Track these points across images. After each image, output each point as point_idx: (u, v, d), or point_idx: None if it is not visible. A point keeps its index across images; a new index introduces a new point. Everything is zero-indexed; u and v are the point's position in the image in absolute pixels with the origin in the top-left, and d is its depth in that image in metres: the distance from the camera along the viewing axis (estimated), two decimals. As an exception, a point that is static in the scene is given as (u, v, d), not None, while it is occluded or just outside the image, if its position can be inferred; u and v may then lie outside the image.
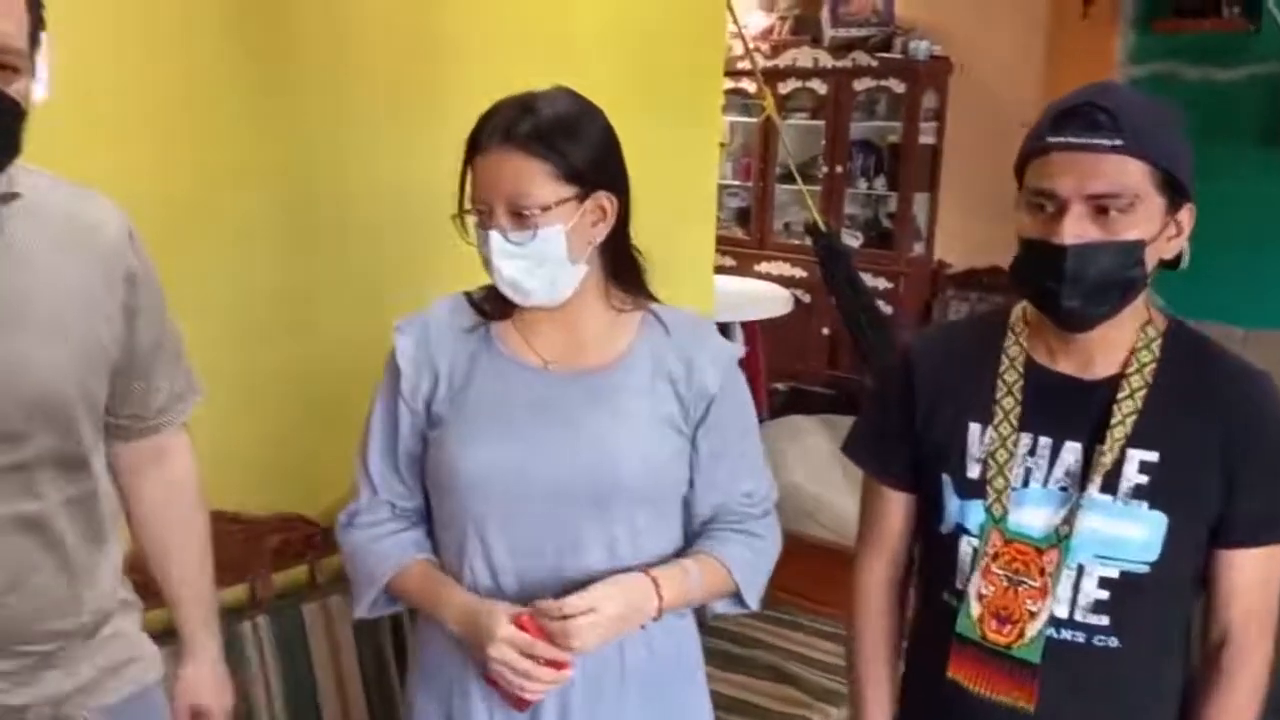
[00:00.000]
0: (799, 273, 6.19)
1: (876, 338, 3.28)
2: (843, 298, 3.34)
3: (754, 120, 5.98)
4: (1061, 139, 1.20)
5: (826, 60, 5.93)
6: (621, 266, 1.44)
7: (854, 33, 5.89)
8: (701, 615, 1.53)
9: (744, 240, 6.30)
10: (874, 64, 5.78)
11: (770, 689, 2.43)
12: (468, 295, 1.48)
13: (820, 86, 5.99)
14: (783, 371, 5.60)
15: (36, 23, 1.13)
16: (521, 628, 1.31)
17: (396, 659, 2.16)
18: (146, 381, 1.37)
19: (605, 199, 1.37)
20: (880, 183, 6.04)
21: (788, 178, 6.33)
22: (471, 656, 1.38)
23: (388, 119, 2.15)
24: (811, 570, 2.46)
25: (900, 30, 5.81)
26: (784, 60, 6.00)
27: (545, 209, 1.31)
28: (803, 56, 6.00)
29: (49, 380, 1.19)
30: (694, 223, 2.88)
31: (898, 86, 5.76)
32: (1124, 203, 1.19)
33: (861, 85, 5.87)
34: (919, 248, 5.95)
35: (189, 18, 1.83)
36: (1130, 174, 1.18)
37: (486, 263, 1.36)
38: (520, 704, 1.36)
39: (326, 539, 1.98)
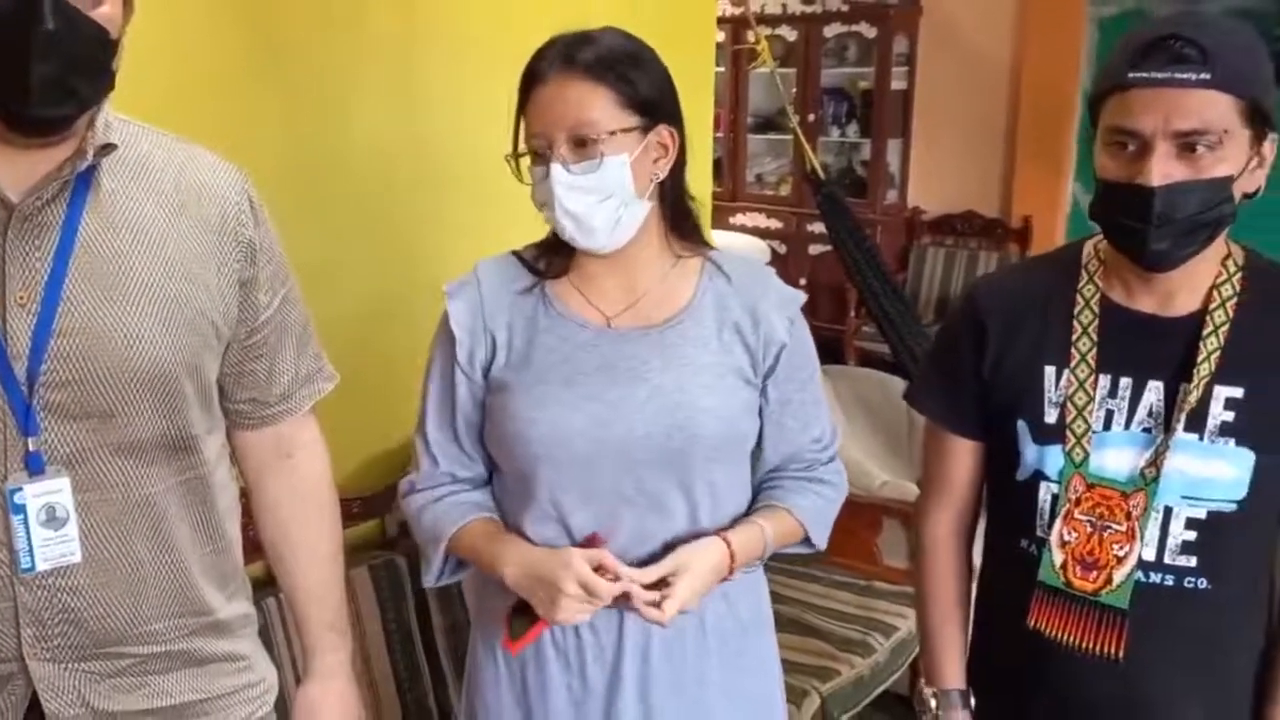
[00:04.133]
0: (774, 224, 6.15)
1: (881, 288, 3.23)
2: (845, 248, 3.28)
3: (723, 70, 5.89)
4: (1144, 74, 1.14)
5: (795, 5, 5.85)
6: (679, 210, 1.39)
7: (823, -23, 5.81)
8: None
9: (716, 192, 6.22)
10: (844, 8, 5.71)
11: (796, 642, 2.41)
12: (517, 254, 1.42)
13: (789, 33, 5.91)
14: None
15: None
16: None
17: (420, 627, 2.12)
18: (269, 364, 1.26)
19: (668, 134, 1.33)
20: (853, 130, 6.01)
21: (760, 127, 6.27)
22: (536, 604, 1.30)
23: (371, 72, 2.09)
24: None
25: (869, -27, 5.74)
26: (752, 6, 5.91)
27: (611, 134, 1.26)
28: (770, 2, 5.91)
29: (151, 354, 1.09)
30: (691, 162, 2.81)
31: (868, 31, 5.70)
32: (1212, 139, 1.14)
33: (831, 31, 5.81)
34: (893, 195, 5.93)
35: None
36: (1219, 109, 1.13)
37: (545, 203, 1.30)
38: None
39: (346, 510, 1.93)
